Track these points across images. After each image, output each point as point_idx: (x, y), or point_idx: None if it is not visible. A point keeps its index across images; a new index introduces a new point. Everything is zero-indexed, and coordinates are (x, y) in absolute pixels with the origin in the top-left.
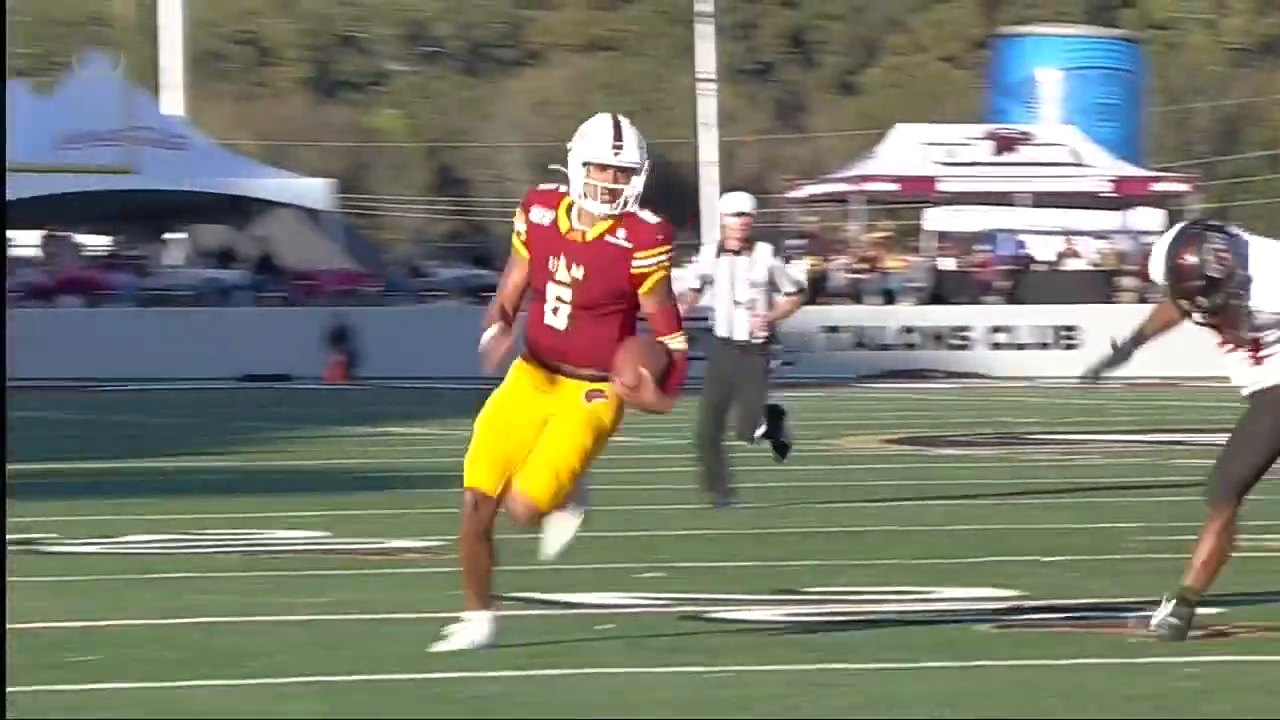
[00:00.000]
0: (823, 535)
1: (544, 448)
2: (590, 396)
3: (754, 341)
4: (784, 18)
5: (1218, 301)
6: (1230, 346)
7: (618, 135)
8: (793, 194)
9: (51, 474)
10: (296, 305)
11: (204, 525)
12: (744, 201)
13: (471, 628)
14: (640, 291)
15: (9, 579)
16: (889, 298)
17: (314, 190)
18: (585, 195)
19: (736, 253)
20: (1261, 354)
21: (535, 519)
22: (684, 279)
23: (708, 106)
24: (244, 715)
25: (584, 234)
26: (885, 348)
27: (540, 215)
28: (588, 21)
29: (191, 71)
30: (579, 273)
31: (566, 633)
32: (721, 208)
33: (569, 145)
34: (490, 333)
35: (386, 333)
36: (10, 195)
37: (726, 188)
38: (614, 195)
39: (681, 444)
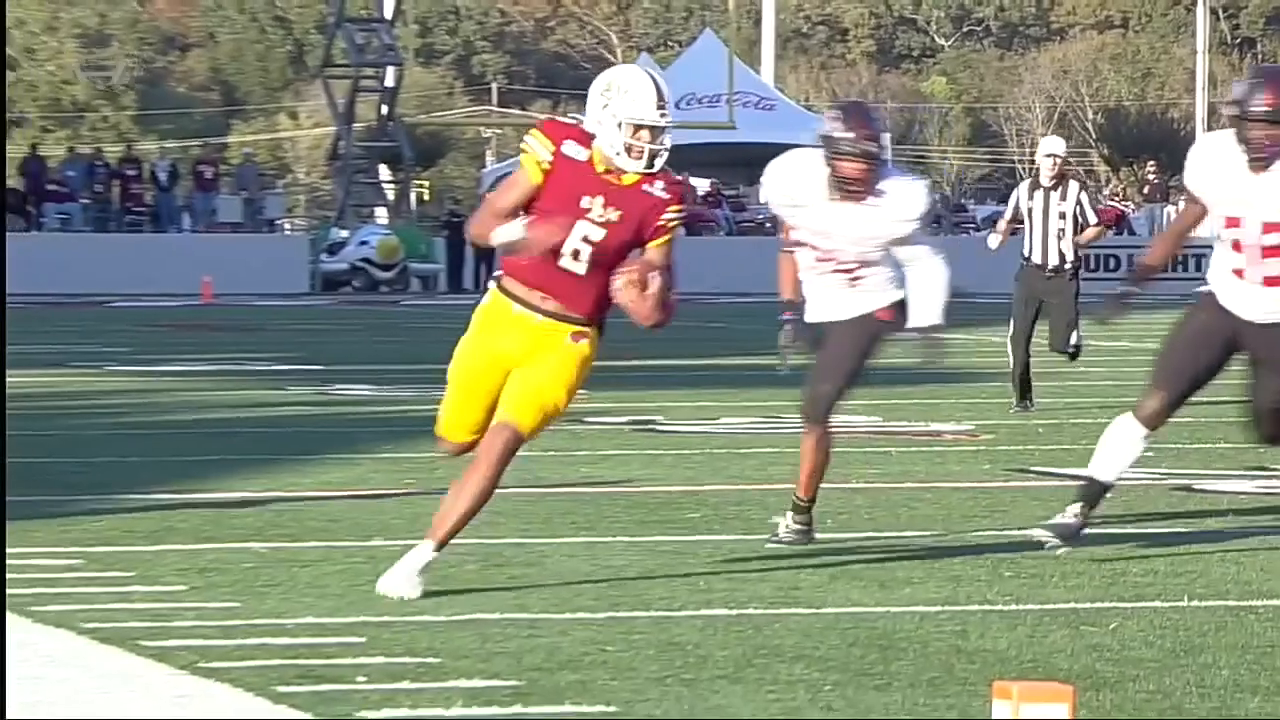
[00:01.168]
0: None
1: (533, 378)
2: (576, 338)
3: (1064, 266)
4: (1263, 0)
5: None
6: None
7: (660, 95)
8: None
9: (663, 369)
10: None
11: (780, 411)
12: (1057, 145)
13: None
14: (654, 244)
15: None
16: None
17: None
18: (622, 153)
19: (1051, 188)
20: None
21: (515, 444)
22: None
23: (1199, 73)
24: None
25: (619, 176)
26: None
27: (575, 150)
28: (1101, 4)
29: (780, 46)
30: (614, 215)
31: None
32: (1039, 150)
33: (603, 98)
34: (518, 224)
35: None
36: None
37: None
38: (653, 155)
39: None
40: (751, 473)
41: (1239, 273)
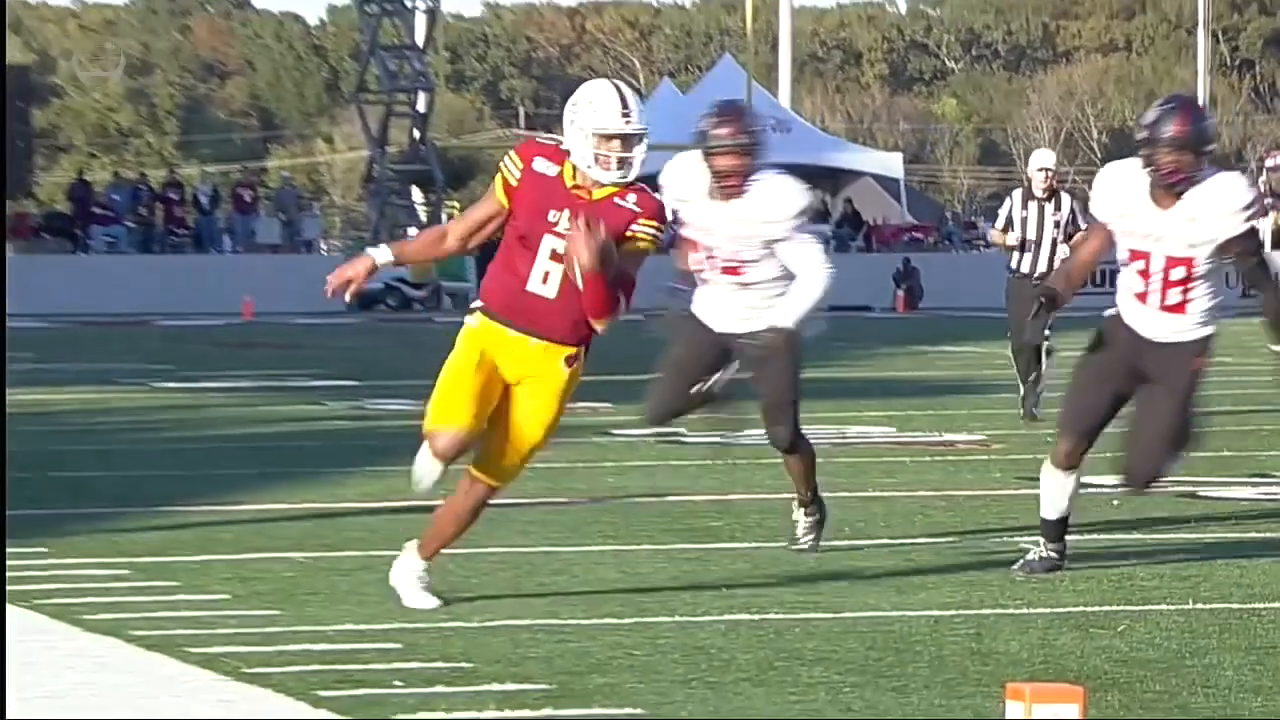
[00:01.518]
0: None
1: (517, 425)
2: (569, 362)
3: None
4: (1262, 22)
5: None
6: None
7: (624, 103)
8: (1268, 163)
9: None
10: (873, 251)
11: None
12: (1048, 158)
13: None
14: (622, 249)
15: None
16: None
17: (888, 162)
18: (594, 164)
19: (1045, 200)
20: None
21: (488, 498)
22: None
23: (1200, 94)
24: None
25: (590, 192)
26: None
27: (544, 166)
28: (1106, 29)
29: (796, 70)
30: None
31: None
32: (1031, 164)
33: (571, 113)
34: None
35: (942, 273)
36: (653, 169)
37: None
38: (624, 163)
39: None
40: (771, 482)
41: (1142, 297)
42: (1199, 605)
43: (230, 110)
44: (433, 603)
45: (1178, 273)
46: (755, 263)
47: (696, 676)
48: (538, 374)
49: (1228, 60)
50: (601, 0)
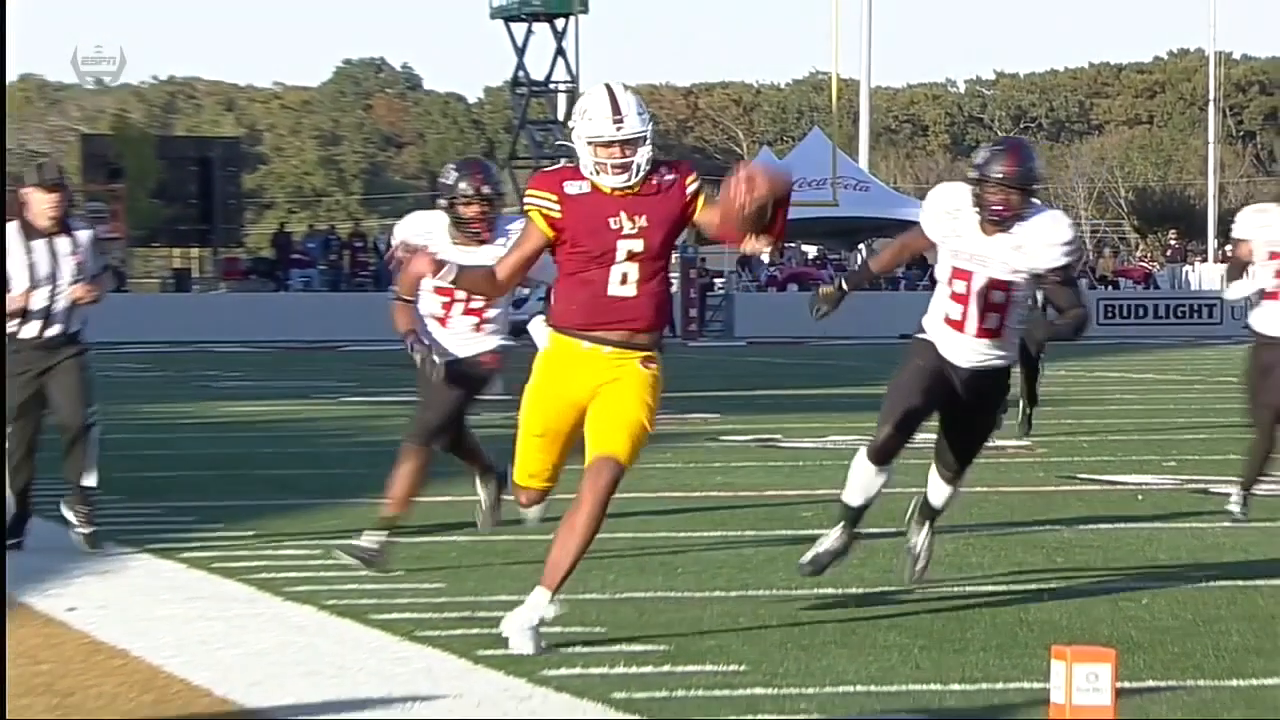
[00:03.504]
0: None
1: (618, 408)
2: (645, 364)
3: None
4: (1262, 101)
5: None
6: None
7: (616, 109)
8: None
9: (783, 397)
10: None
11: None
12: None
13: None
14: (699, 211)
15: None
16: None
17: None
18: (597, 172)
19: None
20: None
21: (619, 476)
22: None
23: (1211, 160)
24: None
25: (626, 190)
26: None
27: (576, 187)
28: (1132, 105)
29: (873, 140)
30: (643, 221)
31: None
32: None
33: (571, 126)
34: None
35: None
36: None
37: (1223, 216)
38: (625, 168)
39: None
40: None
41: (957, 324)
42: (1210, 583)
43: (404, 174)
44: (530, 648)
45: (997, 295)
46: (497, 306)
47: (791, 640)
48: (617, 376)
49: (1233, 132)
50: (711, 81)
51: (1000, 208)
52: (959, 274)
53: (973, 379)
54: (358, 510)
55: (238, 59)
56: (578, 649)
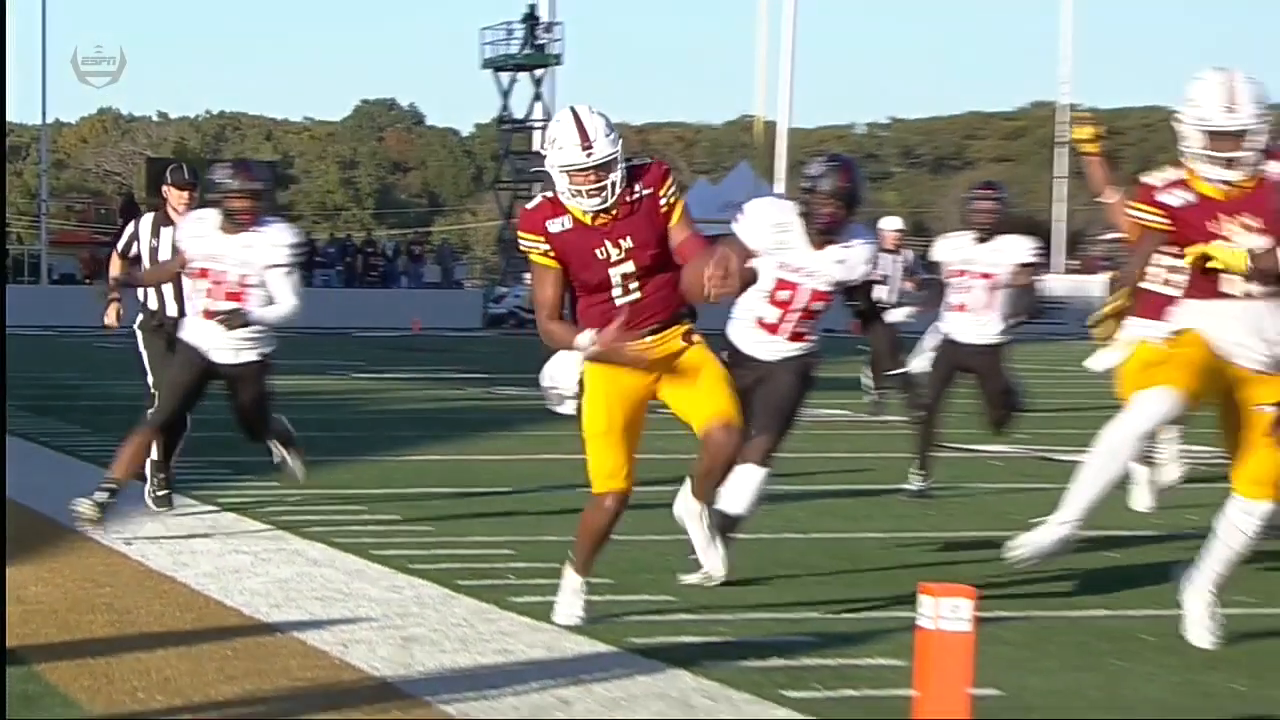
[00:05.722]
0: None
1: (696, 380)
2: (687, 338)
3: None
4: (1104, 144)
5: None
6: None
7: (584, 136)
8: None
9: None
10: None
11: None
12: (896, 223)
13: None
14: (670, 226)
15: None
16: None
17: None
18: (574, 197)
19: (894, 252)
20: None
21: (737, 437)
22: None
23: (1058, 191)
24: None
25: (604, 214)
26: None
27: (558, 224)
28: (1000, 146)
29: (790, 171)
30: (628, 242)
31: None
32: (883, 226)
33: (545, 152)
34: (589, 335)
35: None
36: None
37: (1071, 236)
38: (600, 190)
39: None
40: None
41: (771, 328)
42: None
43: (409, 193)
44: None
45: (817, 305)
46: (253, 289)
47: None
48: (671, 353)
49: (1081, 169)
50: (660, 121)
51: (830, 220)
52: (784, 285)
53: (774, 368)
54: (362, 465)
55: (276, 97)
56: (538, 581)
